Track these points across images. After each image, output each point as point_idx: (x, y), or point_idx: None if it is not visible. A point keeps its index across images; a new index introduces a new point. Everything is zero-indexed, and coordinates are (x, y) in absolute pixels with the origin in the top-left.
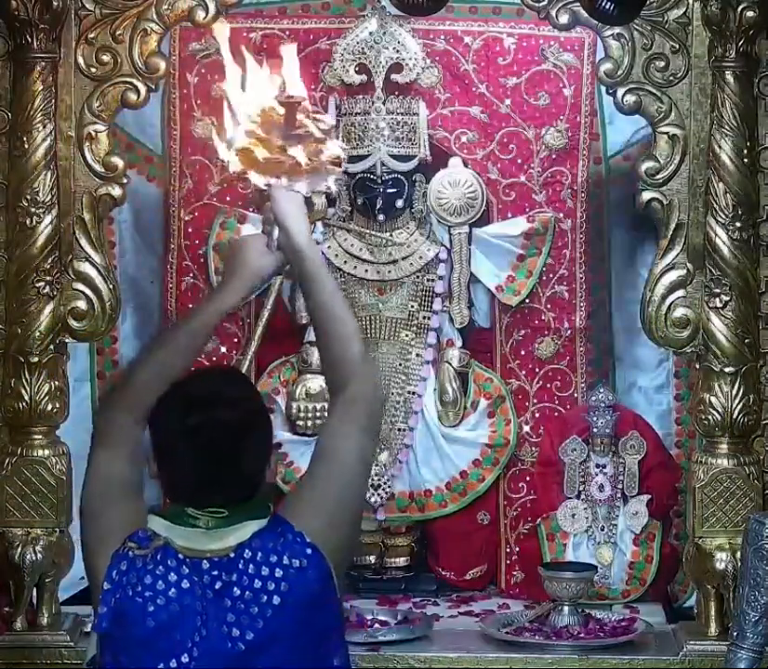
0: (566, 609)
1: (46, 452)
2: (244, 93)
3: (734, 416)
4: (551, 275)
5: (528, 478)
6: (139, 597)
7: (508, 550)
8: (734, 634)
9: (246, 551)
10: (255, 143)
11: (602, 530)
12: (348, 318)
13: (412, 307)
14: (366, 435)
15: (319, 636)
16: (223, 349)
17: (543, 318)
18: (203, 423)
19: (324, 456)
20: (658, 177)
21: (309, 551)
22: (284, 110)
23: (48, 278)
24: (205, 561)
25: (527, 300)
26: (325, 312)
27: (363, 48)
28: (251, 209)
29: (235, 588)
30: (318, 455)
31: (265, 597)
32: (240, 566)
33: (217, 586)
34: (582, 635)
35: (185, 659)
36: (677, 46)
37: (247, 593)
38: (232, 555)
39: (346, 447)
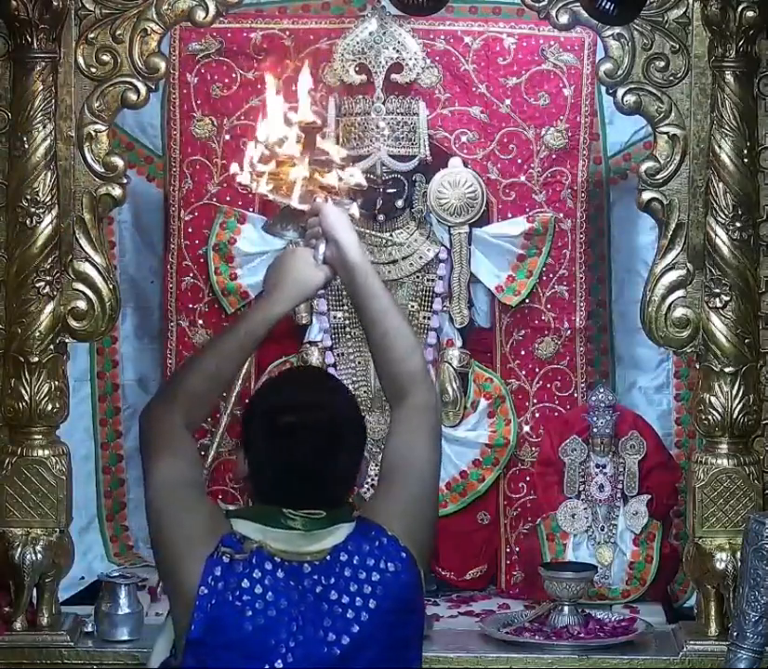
0: (566, 609)
1: (46, 452)
2: (269, 118)
3: (735, 416)
4: (551, 275)
5: (528, 478)
6: (237, 602)
7: (508, 550)
8: (735, 634)
9: (342, 554)
10: (277, 167)
11: (602, 530)
12: (405, 331)
13: (412, 307)
14: (434, 441)
15: (404, 643)
16: None
17: (543, 318)
18: (293, 428)
19: (398, 464)
20: (658, 177)
21: (403, 555)
22: (304, 135)
23: (48, 278)
24: (305, 565)
25: (527, 300)
26: (382, 326)
27: (363, 48)
28: (251, 209)
29: (333, 592)
30: (391, 463)
31: (361, 601)
32: (337, 569)
33: (317, 590)
34: (582, 635)
35: (279, 664)
36: (677, 46)
37: (345, 597)
38: (328, 558)
39: (417, 454)
